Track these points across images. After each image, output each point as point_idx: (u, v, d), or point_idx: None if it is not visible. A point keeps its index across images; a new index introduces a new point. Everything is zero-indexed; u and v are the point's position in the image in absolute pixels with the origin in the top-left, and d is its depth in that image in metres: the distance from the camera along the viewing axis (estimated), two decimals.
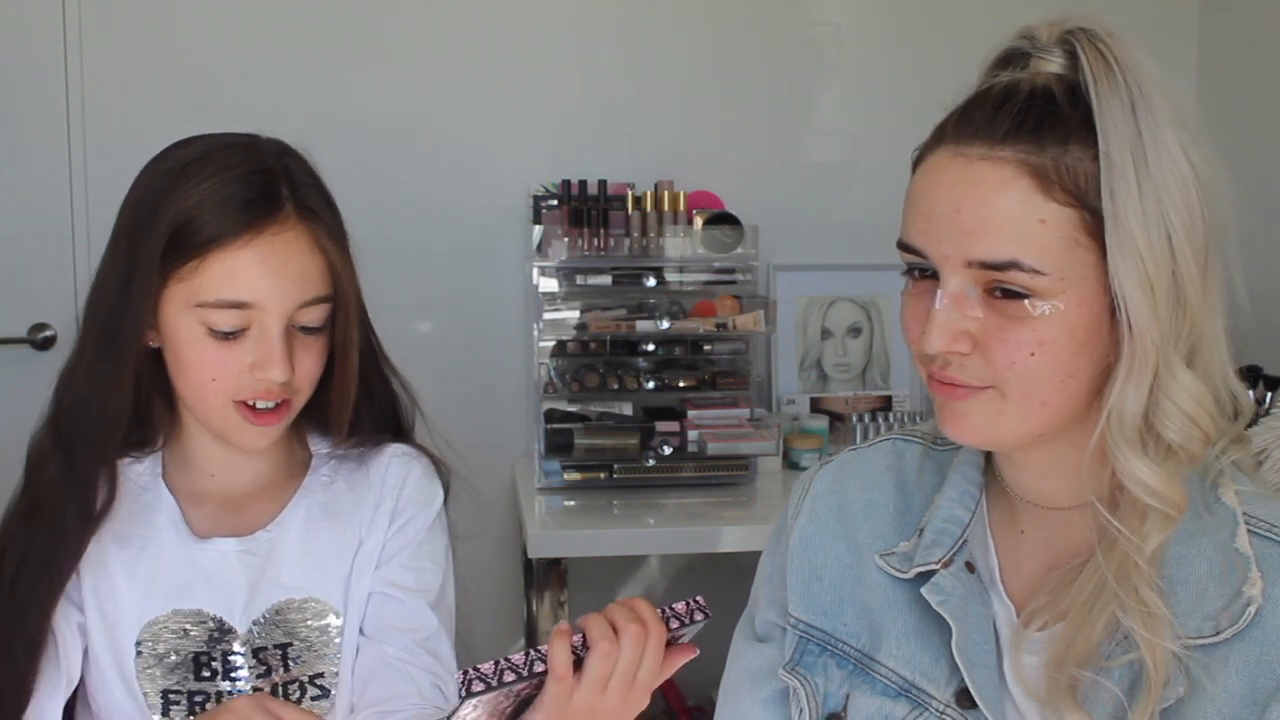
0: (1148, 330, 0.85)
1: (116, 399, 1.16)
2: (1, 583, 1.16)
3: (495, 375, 2.41)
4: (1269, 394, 2.08)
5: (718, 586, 2.38)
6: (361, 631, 1.26)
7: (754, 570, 1.14)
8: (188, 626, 1.20)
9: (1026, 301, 0.86)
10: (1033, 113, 0.86)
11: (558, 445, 2.13)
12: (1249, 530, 0.88)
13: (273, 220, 1.13)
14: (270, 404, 1.17)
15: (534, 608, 2.08)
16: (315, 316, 1.17)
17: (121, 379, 1.16)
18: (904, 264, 0.93)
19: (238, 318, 1.13)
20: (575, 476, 2.14)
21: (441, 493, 1.32)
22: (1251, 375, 2.12)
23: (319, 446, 1.31)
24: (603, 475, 2.14)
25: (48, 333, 2.28)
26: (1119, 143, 0.84)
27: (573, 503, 2.13)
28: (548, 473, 2.15)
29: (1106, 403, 0.87)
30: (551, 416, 2.16)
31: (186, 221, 1.12)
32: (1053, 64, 0.88)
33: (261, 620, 1.22)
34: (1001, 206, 0.85)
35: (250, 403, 1.16)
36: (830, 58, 2.51)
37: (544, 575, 2.03)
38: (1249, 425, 1.18)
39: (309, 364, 1.18)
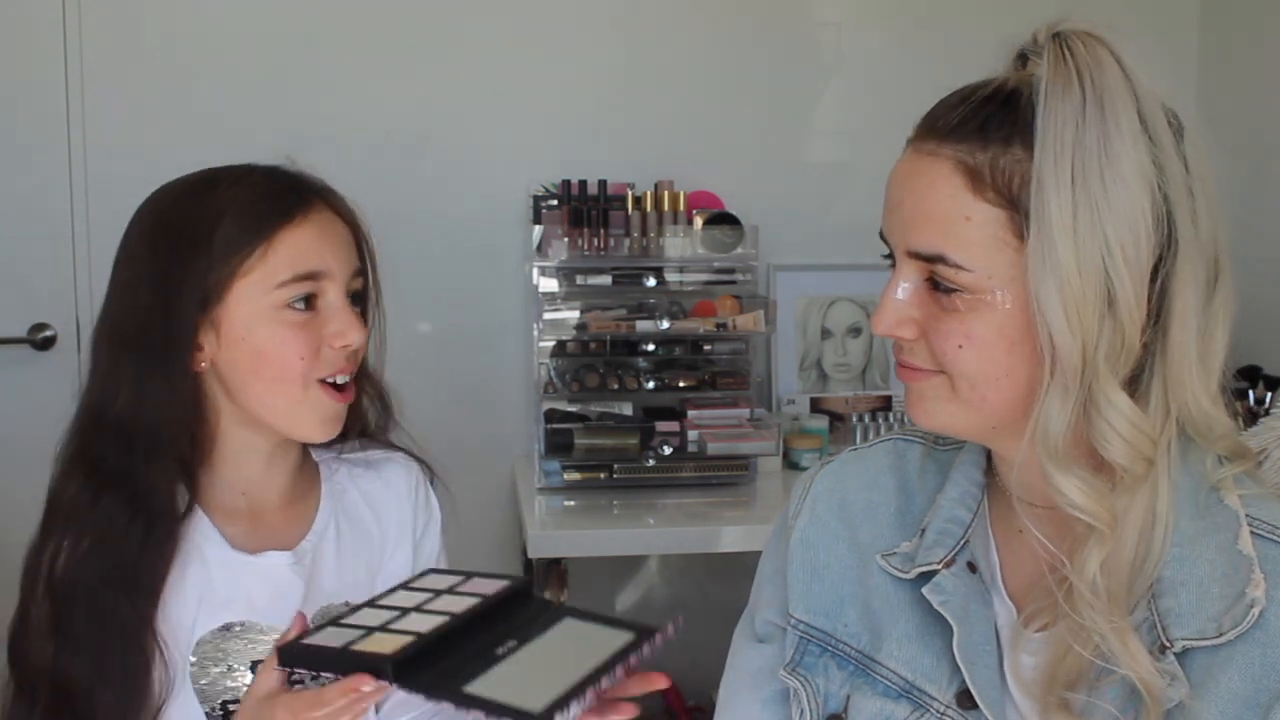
0: (1069, 348, 0.84)
1: (177, 412, 1.17)
2: (76, 612, 1.15)
3: (495, 375, 2.41)
4: (1269, 394, 2.08)
5: (718, 586, 2.39)
6: None
7: (754, 570, 1.14)
8: (246, 638, 1.20)
9: (957, 296, 0.88)
10: (984, 111, 0.87)
11: (558, 445, 2.13)
12: (1252, 532, 0.88)
13: (311, 202, 1.21)
14: (347, 378, 1.22)
15: None
16: (360, 286, 1.25)
17: (179, 393, 1.17)
18: None
19: (313, 288, 1.18)
20: (575, 476, 2.14)
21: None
22: (1251, 375, 2.12)
23: (321, 453, 1.33)
24: (603, 475, 2.14)
25: (48, 333, 2.28)
26: (1056, 151, 0.83)
27: (573, 503, 2.13)
28: (548, 473, 2.14)
29: (1030, 418, 0.88)
30: (551, 416, 2.16)
31: (237, 217, 1.17)
32: (1042, 65, 0.88)
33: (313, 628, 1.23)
34: (933, 201, 0.88)
35: (333, 380, 1.20)
36: (830, 58, 2.51)
37: (544, 575, 2.02)
38: (1248, 426, 1.18)
39: (362, 335, 1.23)
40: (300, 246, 1.18)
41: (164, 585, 1.17)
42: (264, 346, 1.18)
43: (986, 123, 0.87)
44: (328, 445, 1.31)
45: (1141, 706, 0.85)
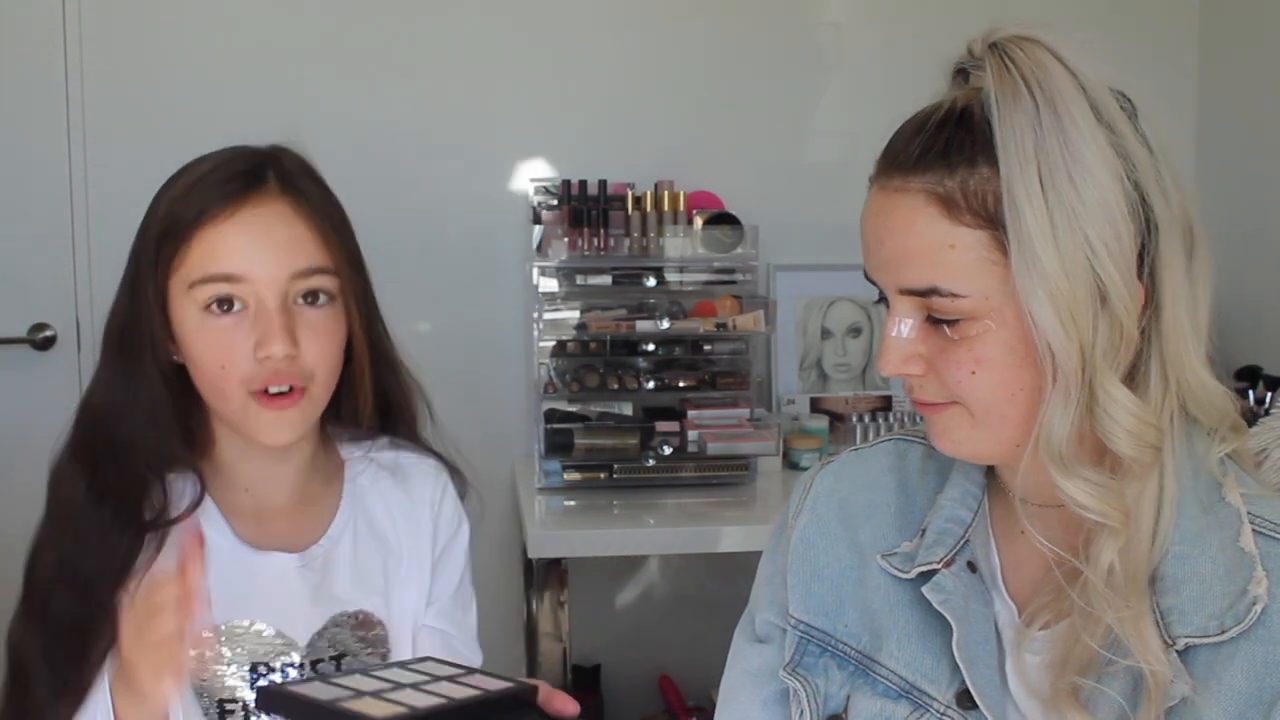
0: (1067, 353, 0.84)
1: (141, 412, 1.15)
2: (35, 596, 1.14)
3: (495, 375, 2.41)
4: (1269, 394, 2.08)
5: (718, 586, 2.39)
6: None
7: (754, 570, 1.14)
8: (247, 636, 1.19)
9: (958, 325, 0.87)
10: (942, 137, 0.87)
11: (558, 445, 2.12)
12: (1254, 529, 0.88)
13: (254, 193, 1.14)
14: (283, 388, 1.14)
15: (534, 608, 2.08)
16: (312, 286, 1.16)
17: (142, 392, 1.14)
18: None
19: (228, 290, 1.12)
20: (575, 476, 2.14)
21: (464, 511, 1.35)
22: (1251, 375, 2.12)
23: (350, 451, 1.30)
24: (603, 475, 2.14)
25: (48, 333, 2.28)
26: (1021, 162, 0.83)
27: (573, 503, 2.13)
28: (548, 473, 2.14)
29: (1035, 426, 0.88)
30: (551, 416, 2.16)
31: (177, 211, 1.13)
32: (984, 78, 0.87)
33: (320, 632, 1.22)
34: (913, 236, 0.87)
35: (265, 389, 1.14)
36: (830, 58, 2.51)
37: (544, 575, 2.02)
38: (1249, 425, 1.18)
39: (317, 344, 1.16)
40: (216, 246, 1.12)
41: (122, 581, 1.13)
42: (191, 348, 1.14)
43: (948, 147, 0.86)
44: (356, 442, 1.29)
45: (1144, 698, 0.85)
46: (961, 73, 0.91)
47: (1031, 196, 0.83)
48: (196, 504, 1.17)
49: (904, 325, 0.90)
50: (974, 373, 0.88)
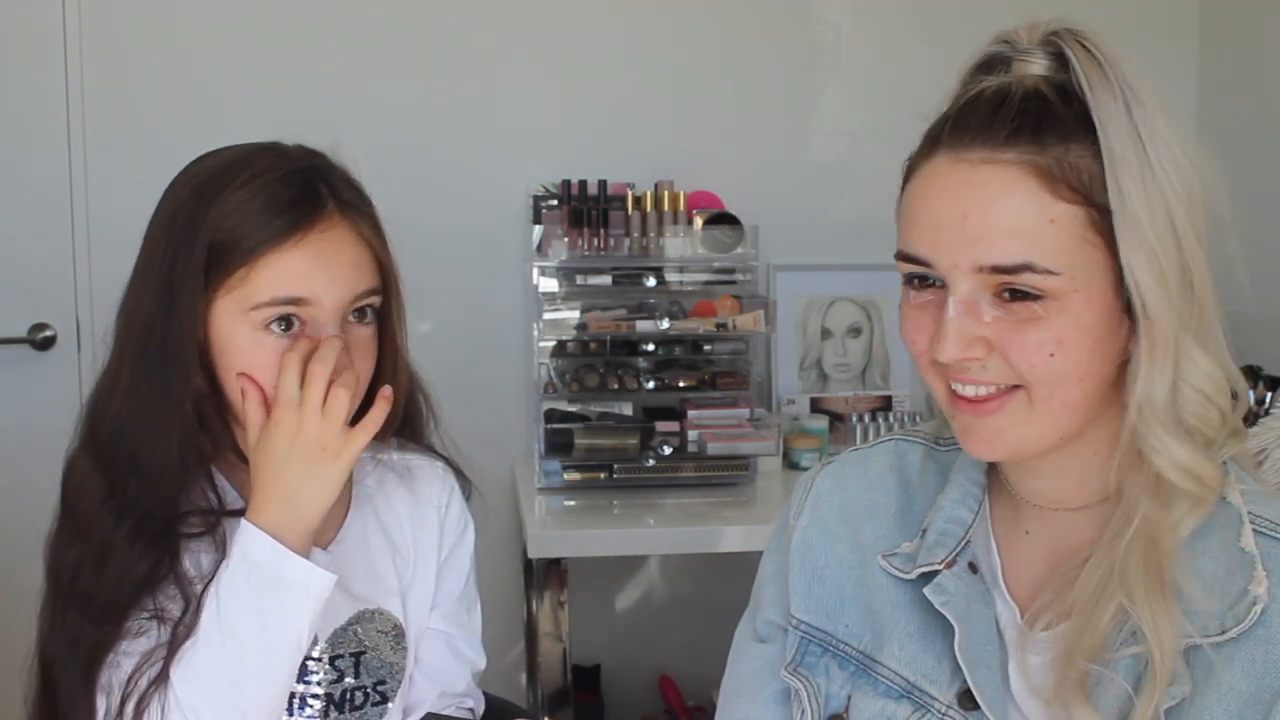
0: (1164, 317, 0.85)
1: (173, 431, 1.13)
2: (56, 601, 1.14)
3: (495, 375, 2.41)
4: (1269, 394, 2.08)
5: (718, 586, 2.39)
6: (417, 660, 1.30)
7: (754, 570, 1.14)
8: None
9: (1038, 303, 0.85)
10: (1030, 114, 0.86)
11: (558, 445, 2.13)
12: (1254, 529, 0.88)
13: (319, 218, 1.13)
14: None
15: (534, 608, 2.08)
16: (364, 305, 1.17)
17: (174, 410, 1.12)
18: (903, 274, 0.92)
19: (293, 312, 1.12)
20: (575, 476, 2.14)
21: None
22: (1251, 375, 2.12)
23: None
24: (603, 475, 2.14)
25: (48, 333, 2.28)
26: (1120, 137, 0.84)
27: (573, 503, 2.13)
28: (548, 473, 2.15)
29: (1133, 395, 0.87)
30: (551, 416, 2.16)
31: (231, 230, 1.11)
32: (1036, 66, 0.88)
33: (341, 628, 1.22)
34: (1009, 209, 0.85)
35: None
36: (830, 58, 2.51)
37: (544, 575, 2.03)
38: (1249, 424, 1.18)
39: (363, 360, 1.17)
40: (285, 271, 1.11)
41: (151, 587, 1.12)
42: (241, 366, 1.13)
43: (1039, 124, 0.85)
44: None
45: (1146, 686, 0.85)
46: (1001, 61, 0.90)
47: (1133, 173, 0.84)
48: (216, 511, 1.16)
49: (968, 306, 0.87)
50: (1053, 355, 0.86)
